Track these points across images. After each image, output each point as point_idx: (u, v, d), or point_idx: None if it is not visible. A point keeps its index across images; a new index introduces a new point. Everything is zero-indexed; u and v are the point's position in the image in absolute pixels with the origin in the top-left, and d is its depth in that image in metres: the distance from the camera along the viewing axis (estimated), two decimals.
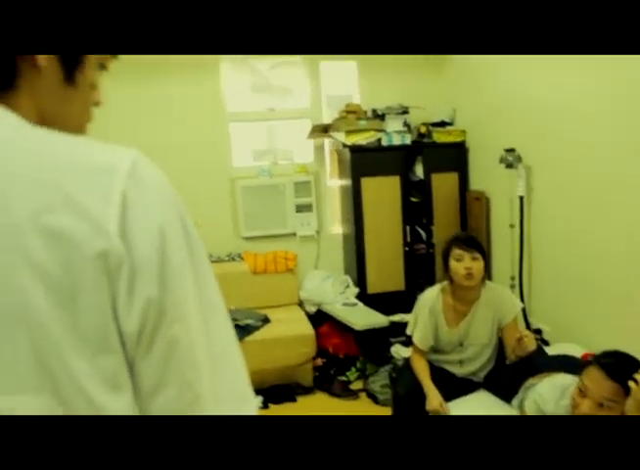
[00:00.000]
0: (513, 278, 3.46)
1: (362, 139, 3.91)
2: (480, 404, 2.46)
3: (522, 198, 3.34)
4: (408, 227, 4.08)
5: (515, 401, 2.25)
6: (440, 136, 4.11)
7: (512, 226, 3.49)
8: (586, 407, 1.71)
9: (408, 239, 4.09)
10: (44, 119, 0.65)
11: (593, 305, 2.88)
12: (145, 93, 3.91)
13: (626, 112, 2.54)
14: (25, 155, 0.57)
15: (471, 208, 4.04)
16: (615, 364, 1.72)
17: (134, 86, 3.86)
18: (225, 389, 0.65)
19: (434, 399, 2.43)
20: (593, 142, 2.78)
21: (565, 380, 1.91)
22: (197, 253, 0.63)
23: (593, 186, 2.81)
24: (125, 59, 0.85)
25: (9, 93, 0.62)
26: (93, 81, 0.72)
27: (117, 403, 0.58)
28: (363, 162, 3.96)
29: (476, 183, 4.09)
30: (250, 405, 0.68)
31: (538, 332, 3.26)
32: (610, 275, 2.75)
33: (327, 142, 4.38)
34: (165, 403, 0.61)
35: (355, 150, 3.92)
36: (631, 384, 1.65)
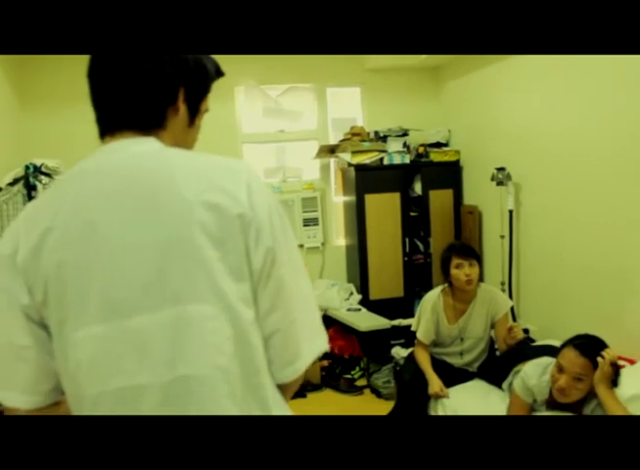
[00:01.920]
0: (503, 283, 3.79)
1: (366, 159, 4.28)
2: (475, 390, 2.81)
3: (511, 212, 3.68)
4: (407, 239, 4.42)
5: (505, 385, 2.61)
6: (437, 156, 4.45)
7: (502, 237, 3.83)
8: (563, 381, 2.07)
9: (407, 250, 4.43)
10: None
11: (573, 307, 3.23)
12: None
13: (606, 136, 2.89)
14: (182, 160, 0.89)
15: (465, 221, 4.41)
16: (586, 344, 2.08)
17: None
18: (308, 321, 0.94)
19: (435, 385, 2.78)
20: (576, 163, 3.14)
21: (546, 360, 2.26)
22: (286, 227, 0.92)
23: (574, 202, 3.18)
24: None
25: (159, 130, 0.94)
26: (200, 124, 1.04)
27: (249, 315, 0.86)
28: (367, 179, 4.31)
29: (469, 199, 4.46)
30: (321, 340, 0.97)
31: (526, 331, 3.58)
32: (587, 281, 3.11)
33: (332, 161, 4.74)
34: (274, 322, 0.89)
35: (360, 168, 4.27)
36: (599, 359, 2.02)
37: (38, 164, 3.38)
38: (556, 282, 3.41)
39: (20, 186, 3.29)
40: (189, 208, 0.83)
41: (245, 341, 0.86)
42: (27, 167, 3.32)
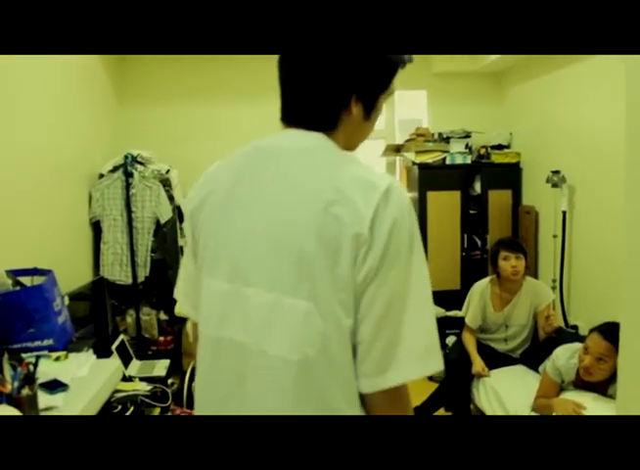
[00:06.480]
0: (554, 280, 3.98)
1: (429, 158, 4.55)
2: (515, 372, 3.08)
3: (564, 213, 3.87)
4: (466, 235, 4.65)
5: (541, 367, 2.87)
6: (497, 157, 4.65)
7: (555, 236, 4.01)
8: (587, 361, 2.33)
9: (465, 246, 4.66)
10: (346, 144, 1.01)
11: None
12: (248, 112, 4.60)
13: None
14: (331, 168, 0.93)
15: (522, 220, 4.60)
16: (610, 330, 2.33)
17: (232, 107, 4.68)
18: (404, 343, 0.90)
19: (477, 365, 3.07)
20: None
21: (576, 345, 2.52)
22: (414, 249, 0.91)
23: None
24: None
25: (333, 131, 0.99)
26: (377, 116, 1.06)
27: (347, 321, 0.89)
28: (429, 177, 4.57)
29: (527, 199, 4.64)
30: (415, 368, 0.91)
31: (575, 328, 3.77)
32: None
33: (398, 159, 5.04)
34: (360, 333, 0.90)
35: (423, 167, 4.54)
36: None
37: (135, 155, 3.88)
38: (605, 280, 3.55)
39: (119, 173, 3.80)
40: (317, 216, 0.88)
41: (338, 340, 0.90)
42: (126, 157, 3.83)
